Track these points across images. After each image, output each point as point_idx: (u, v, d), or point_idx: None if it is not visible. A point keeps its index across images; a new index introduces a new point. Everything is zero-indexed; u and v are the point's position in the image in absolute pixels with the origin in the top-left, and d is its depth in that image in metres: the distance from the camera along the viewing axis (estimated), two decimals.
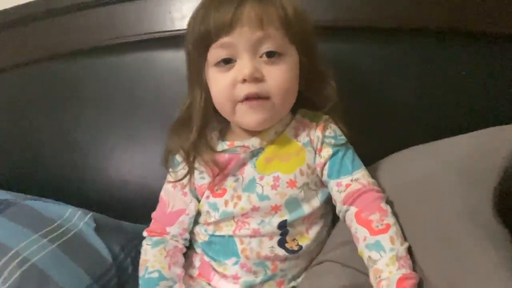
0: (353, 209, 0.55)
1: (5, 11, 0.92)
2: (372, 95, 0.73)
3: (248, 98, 0.54)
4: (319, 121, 0.59)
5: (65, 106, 0.88)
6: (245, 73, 0.53)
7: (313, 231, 0.58)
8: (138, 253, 0.70)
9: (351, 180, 0.56)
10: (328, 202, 0.59)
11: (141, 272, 0.59)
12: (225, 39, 0.53)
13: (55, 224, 0.66)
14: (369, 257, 0.50)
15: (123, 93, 0.86)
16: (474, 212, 0.46)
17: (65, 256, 0.62)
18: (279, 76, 0.54)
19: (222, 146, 0.60)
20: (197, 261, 0.62)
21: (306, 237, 0.57)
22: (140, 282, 0.58)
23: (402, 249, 0.49)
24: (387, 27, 0.75)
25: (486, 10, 0.72)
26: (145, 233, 0.63)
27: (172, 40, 0.85)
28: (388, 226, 0.51)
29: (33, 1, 0.90)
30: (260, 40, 0.53)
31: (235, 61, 0.54)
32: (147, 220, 0.80)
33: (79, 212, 0.70)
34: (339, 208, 0.56)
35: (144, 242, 0.63)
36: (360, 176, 0.56)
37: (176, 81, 0.82)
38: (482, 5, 0.72)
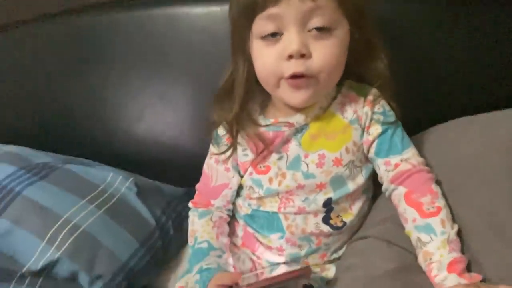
0: (402, 189, 0.54)
1: None
2: (415, 58, 0.70)
3: (293, 77, 0.52)
4: (367, 96, 0.57)
5: (92, 64, 0.85)
6: (292, 48, 0.50)
7: (356, 206, 0.59)
8: (178, 215, 0.74)
9: (401, 160, 0.55)
10: (370, 177, 0.60)
11: (190, 242, 0.61)
12: (272, 10, 0.50)
13: (99, 189, 0.68)
14: (419, 238, 0.51)
15: (151, 50, 0.83)
16: None
17: (112, 221, 0.64)
18: (327, 53, 0.51)
19: (265, 122, 0.58)
20: (240, 231, 0.64)
21: (350, 213, 0.58)
22: (191, 251, 0.60)
23: (453, 232, 0.50)
24: None
25: None
26: (190, 204, 0.65)
27: None
28: (439, 209, 0.52)
29: None
30: (310, 11, 0.50)
31: (282, 34, 0.51)
32: (180, 181, 0.83)
33: (120, 176, 0.71)
34: (386, 186, 0.57)
35: (190, 213, 0.64)
36: (410, 156, 0.55)
37: (207, 40, 0.80)
38: None
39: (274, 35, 0.52)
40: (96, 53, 0.84)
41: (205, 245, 0.59)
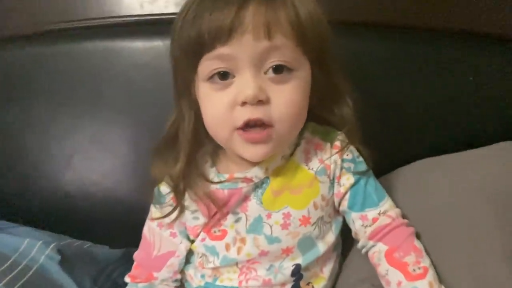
0: (381, 246, 0.49)
1: None
2: (377, 98, 0.65)
3: (248, 125, 0.44)
4: (333, 142, 0.51)
5: (10, 103, 0.73)
6: (247, 94, 0.43)
7: (328, 268, 0.52)
8: (113, 284, 0.62)
9: (379, 214, 0.49)
10: (340, 232, 0.53)
11: None
12: (222, 50, 0.43)
13: (10, 262, 0.54)
14: None
15: (83, 87, 0.73)
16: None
17: None
18: (287, 99, 0.44)
19: (218, 178, 0.50)
20: None
21: (321, 277, 0.51)
22: None
23: None
24: (393, 24, 0.68)
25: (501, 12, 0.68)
26: (127, 279, 0.54)
27: (141, 27, 0.74)
28: (425, 270, 0.46)
29: None
30: (266, 51, 0.43)
31: (234, 76, 0.44)
32: (116, 240, 0.71)
33: (38, 242, 0.58)
34: (363, 243, 0.50)
35: None
36: (388, 208, 0.50)
37: (148, 76, 0.72)
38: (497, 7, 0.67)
39: (225, 77, 0.44)
40: (15, 90, 0.73)
41: None
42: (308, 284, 0.50)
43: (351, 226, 0.52)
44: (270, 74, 0.44)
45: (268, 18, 0.42)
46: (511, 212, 0.47)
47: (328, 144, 0.51)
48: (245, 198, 0.50)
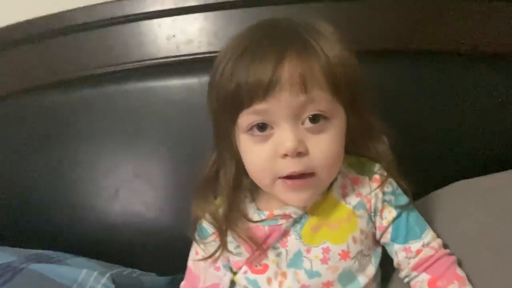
0: (425, 276, 0.50)
1: None
2: (399, 124, 0.70)
3: (290, 176, 0.46)
4: (372, 175, 0.52)
5: (58, 143, 0.79)
6: (287, 147, 0.44)
7: None
8: None
9: (422, 246, 0.50)
10: (380, 263, 0.54)
11: None
12: (259, 106, 0.44)
13: None
14: None
15: (124, 126, 0.78)
16: None
17: None
18: (326, 147, 0.46)
19: (258, 216, 0.52)
20: None
21: None
22: None
23: None
24: (412, 49, 0.71)
25: None
26: None
27: (177, 67, 0.79)
28: None
29: (13, 24, 0.80)
30: (303, 105, 0.44)
31: (272, 128, 0.46)
32: (161, 267, 0.75)
33: (95, 272, 0.63)
34: (407, 273, 0.52)
35: None
36: (431, 239, 0.51)
37: (184, 113, 0.77)
38: None
39: (263, 128, 0.46)
40: (63, 131, 0.79)
41: None
42: None
43: (393, 257, 0.52)
44: (307, 124, 0.45)
45: (303, 72, 0.43)
46: None
47: (366, 178, 0.52)
48: (285, 233, 0.51)
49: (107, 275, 0.63)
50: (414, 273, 0.51)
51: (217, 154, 0.52)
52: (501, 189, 0.56)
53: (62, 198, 0.79)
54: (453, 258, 0.51)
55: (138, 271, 0.71)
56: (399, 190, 0.53)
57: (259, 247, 0.51)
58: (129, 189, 0.78)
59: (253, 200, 0.54)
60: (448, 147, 0.70)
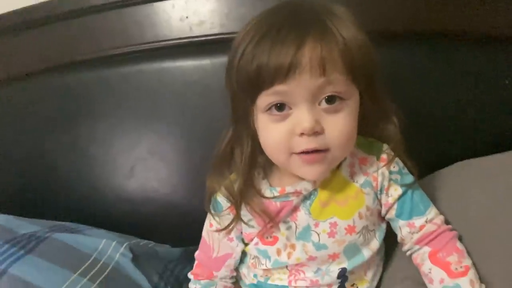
0: (426, 249, 0.52)
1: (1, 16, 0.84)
2: (408, 105, 0.71)
3: (305, 151, 0.48)
4: (379, 154, 0.54)
5: (79, 121, 0.82)
6: (304, 127, 0.46)
7: (371, 271, 0.56)
8: (175, 280, 0.70)
9: (426, 221, 0.53)
10: (384, 238, 0.57)
11: None
12: (279, 87, 0.46)
13: (91, 259, 0.63)
14: None
15: (141, 105, 0.81)
16: None
17: None
18: (341, 127, 0.47)
19: (271, 192, 0.54)
20: None
21: (365, 280, 0.55)
22: None
23: None
24: (422, 31, 0.71)
25: None
26: (190, 276, 0.61)
27: (190, 48, 0.80)
28: (467, 269, 0.50)
29: (33, 5, 0.83)
30: (321, 87, 0.46)
31: (290, 108, 0.47)
32: (175, 239, 0.79)
33: (113, 242, 0.66)
34: (409, 247, 0.54)
35: (191, 284, 0.60)
36: (434, 215, 0.53)
37: (198, 93, 0.79)
38: None
39: (281, 108, 0.47)
40: (83, 110, 0.82)
41: None
42: (352, 285, 0.54)
43: (397, 232, 0.55)
44: (324, 105, 0.47)
45: (323, 56, 0.44)
46: None
47: (374, 158, 0.54)
48: (295, 208, 0.53)
49: (125, 245, 0.67)
50: (417, 247, 0.53)
51: (234, 132, 0.54)
52: (503, 170, 0.57)
53: (80, 174, 0.83)
54: (454, 233, 0.53)
55: (153, 243, 0.75)
56: (405, 170, 0.54)
57: (272, 220, 0.53)
58: (144, 166, 0.81)
59: (266, 177, 0.56)
60: (455, 128, 0.71)
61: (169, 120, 0.80)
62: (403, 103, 0.70)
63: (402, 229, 0.54)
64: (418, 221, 0.53)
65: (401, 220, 0.54)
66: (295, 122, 0.47)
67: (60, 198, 0.83)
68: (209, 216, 0.59)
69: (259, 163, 0.55)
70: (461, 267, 0.50)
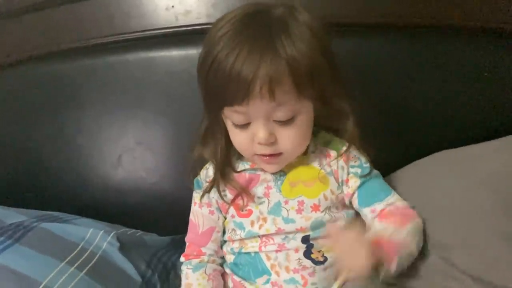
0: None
1: None
2: (379, 98, 0.72)
3: (263, 155, 0.56)
4: (340, 150, 0.60)
5: (64, 112, 0.82)
6: (259, 138, 0.54)
7: None
8: (163, 267, 0.71)
9: (386, 205, 0.58)
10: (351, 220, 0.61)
11: None
12: (239, 108, 0.52)
13: (79, 248, 0.64)
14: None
15: (127, 95, 0.81)
16: None
17: (95, 283, 0.60)
18: (292, 137, 0.55)
19: (243, 165, 0.61)
20: (229, 282, 0.63)
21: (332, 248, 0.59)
22: None
23: (409, 237, 0.53)
24: (399, 23, 0.73)
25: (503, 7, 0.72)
26: (182, 258, 0.64)
27: (176, 38, 0.80)
28: (403, 224, 0.54)
29: None
30: (272, 109, 0.52)
31: (250, 122, 0.54)
32: (163, 228, 0.80)
33: (101, 231, 0.67)
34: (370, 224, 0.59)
35: (183, 267, 0.63)
36: (394, 200, 0.59)
37: (184, 83, 0.79)
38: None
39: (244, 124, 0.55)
40: (69, 100, 0.82)
41: None
42: (319, 251, 0.58)
43: (365, 220, 0.60)
44: (277, 119, 0.53)
45: (272, 84, 0.49)
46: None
47: (335, 153, 0.60)
48: (268, 187, 0.60)
49: (112, 233, 0.67)
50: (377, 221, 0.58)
51: (208, 125, 0.60)
52: (478, 158, 0.60)
53: (67, 164, 0.83)
54: (413, 211, 0.57)
55: (140, 232, 0.76)
56: (367, 164, 0.60)
57: (243, 190, 0.60)
58: (132, 156, 0.81)
59: (239, 157, 0.62)
60: (432, 119, 0.73)
61: (155, 110, 0.80)
62: (382, 96, 0.72)
63: (367, 215, 0.59)
64: (378, 206, 0.58)
65: (363, 208, 0.59)
66: (253, 133, 0.54)
67: (47, 188, 0.83)
68: (193, 196, 0.65)
69: (233, 151, 0.61)
70: (400, 222, 0.54)
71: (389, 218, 0.56)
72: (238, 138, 0.57)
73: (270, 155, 0.56)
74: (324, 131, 0.62)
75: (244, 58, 0.49)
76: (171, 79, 0.79)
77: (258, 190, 0.60)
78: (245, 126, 0.54)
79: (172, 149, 0.82)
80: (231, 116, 0.54)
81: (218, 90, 0.52)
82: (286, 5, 0.54)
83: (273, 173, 0.60)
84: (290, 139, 0.55)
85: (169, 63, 0.79)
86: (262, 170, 0.60)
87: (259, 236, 0.60)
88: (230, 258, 0.63)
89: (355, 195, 0.59)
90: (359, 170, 0.60)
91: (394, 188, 0.61)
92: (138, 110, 0.81)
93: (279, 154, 0.56)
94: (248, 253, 0.60)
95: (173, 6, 0.79)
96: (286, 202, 0.59)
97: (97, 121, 0.82)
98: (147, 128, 0.81)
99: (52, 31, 0.84)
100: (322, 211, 0.58)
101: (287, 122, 0.54)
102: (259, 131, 0.53)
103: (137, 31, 0.81)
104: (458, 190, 0.57)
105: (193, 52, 0.78)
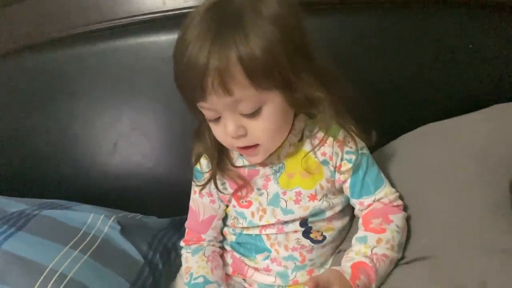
0: None
1: None
2: (364, 76, 0.70)
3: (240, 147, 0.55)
4: (336, 137, 0.58)
5: (57, 100, 0.83)
6: (228, 131, 0.52)
7: (338, 222, 0.61)
8: (164, 248, 0.73)
9: (373, 201, 0.59)
10: (348, 204, 0.62)
11: (186, 279, 0.61)
12: (203, 104, 0.51)
13: (81, 233, 0.66)
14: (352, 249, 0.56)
15: (119, 81, 0.82)
16: (499, 206, 0.50)
17: (99, 265, 0.62)
18: (261, 128, 0.52)
19: (242, 161, 0.60)
20: (228, 258, 0.65)
21: (331, 228, 0.61)
22: None
23: (385, 251, 0.54)
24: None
25: None
26: (182, 243, 0.66)
27: (165, 23, 0.80)
28: (383, 230, 0.55)
29: None
30: (233, 103, 0.50)
31: (220, 115, 0.53)
32: (162, 211, 0.82)
33: (101, 216, 0.69)
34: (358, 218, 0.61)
35: (183, 251, 0.65)
36: (383, 195, 0.59)
37: None
38: None
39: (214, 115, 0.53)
40: (61, 89, 0.82)
41: (200, 280, 0.60)
42: (318, 231, 0.60)
43: (354, 206, 0.62)
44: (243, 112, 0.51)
45: (224, 79, 0.47)
46: (497, 168, 0.54)
47: (331, 139, 0.58)
48: (267, 179, 0.60)
49: (113, 217, 0.69)
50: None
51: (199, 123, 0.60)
52: (464, 128, 0.61)
53: (63, 152, 0.84)
54: (397, 209, 0.59)
55: (139, 215, 0.78)
56: (364, 150, 0.59)
57: (243, 185, 0.60)
58: (127, 141, 0.83)
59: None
60: (419, 92, 0.75)
61: (148, 95, 0.81)
62: (366, 73, 0.72)
63: (355, 206, 0.61)
64: (367, 200, 0.59)
65: (353, 198, 0.60)
66: (224, 128, 0.53)
67: (46, 177, 0.84)
68: (193, 185, 0.64)
69: None
70: (379, 228, 0.56)
71: (371, 223, 0.56)
72: (216, 132, 0.55)
73: (247, 147, 0.54)
74: (313, 120, 0.59)
75: (196, 53, 0.48)
76: (161, 63, 0.79)
77: (258, 182, 0.60)
78: (217, 120, 0.53)
79: (166, 134, 0.83)
80: (204, 111, 0.53)
81: (183, 88, 0.52)
82: None
83: (271, 166, 0.59)
84: (261, 131, 0.53)
85: (158, 48, 0.80)
86: (262, 165, 0.59)
87: (259, 226, 0.61)
88: (231, 238, 0.64)
89: (347, 184, 0.59)
90: (353, 157, 0.58)
91: (382, 162, 0.62)
92: (130, 96, 0.82)
93: (256, 145, 0.54)
94: (250, 234, 0.62)
95: None
96: (284, 193, 0.59)
97: (91, 108, 0.82)
98: (141, 113, 0.82)
99: (40, 21, 0.84)
100: (320, 199, 0.59)
101: (254, 114, 0.51)
102: (228, 124, 0.52)
103: (125, 17, 0.81)
104: (444, 160, 0.59)
105: None
